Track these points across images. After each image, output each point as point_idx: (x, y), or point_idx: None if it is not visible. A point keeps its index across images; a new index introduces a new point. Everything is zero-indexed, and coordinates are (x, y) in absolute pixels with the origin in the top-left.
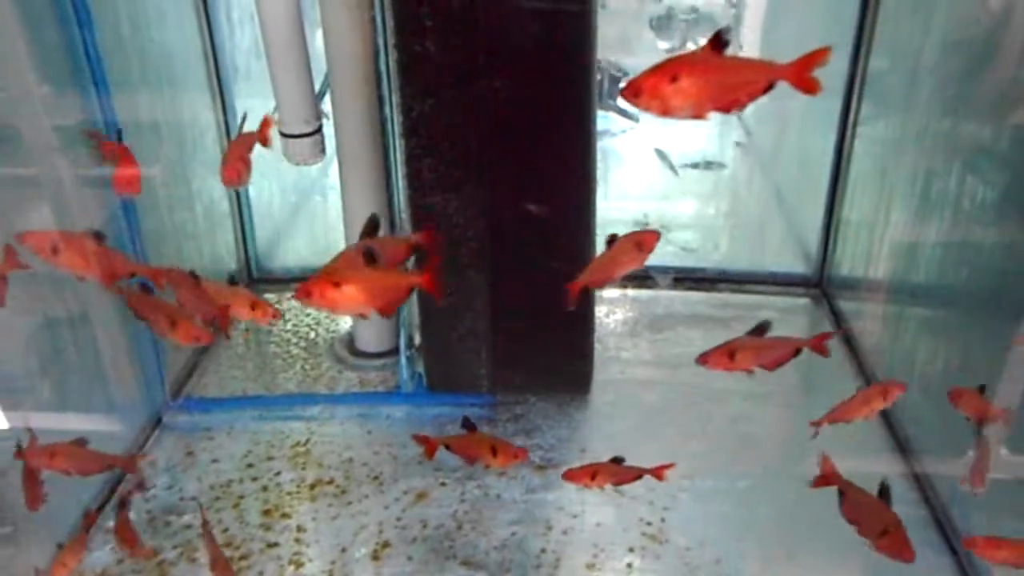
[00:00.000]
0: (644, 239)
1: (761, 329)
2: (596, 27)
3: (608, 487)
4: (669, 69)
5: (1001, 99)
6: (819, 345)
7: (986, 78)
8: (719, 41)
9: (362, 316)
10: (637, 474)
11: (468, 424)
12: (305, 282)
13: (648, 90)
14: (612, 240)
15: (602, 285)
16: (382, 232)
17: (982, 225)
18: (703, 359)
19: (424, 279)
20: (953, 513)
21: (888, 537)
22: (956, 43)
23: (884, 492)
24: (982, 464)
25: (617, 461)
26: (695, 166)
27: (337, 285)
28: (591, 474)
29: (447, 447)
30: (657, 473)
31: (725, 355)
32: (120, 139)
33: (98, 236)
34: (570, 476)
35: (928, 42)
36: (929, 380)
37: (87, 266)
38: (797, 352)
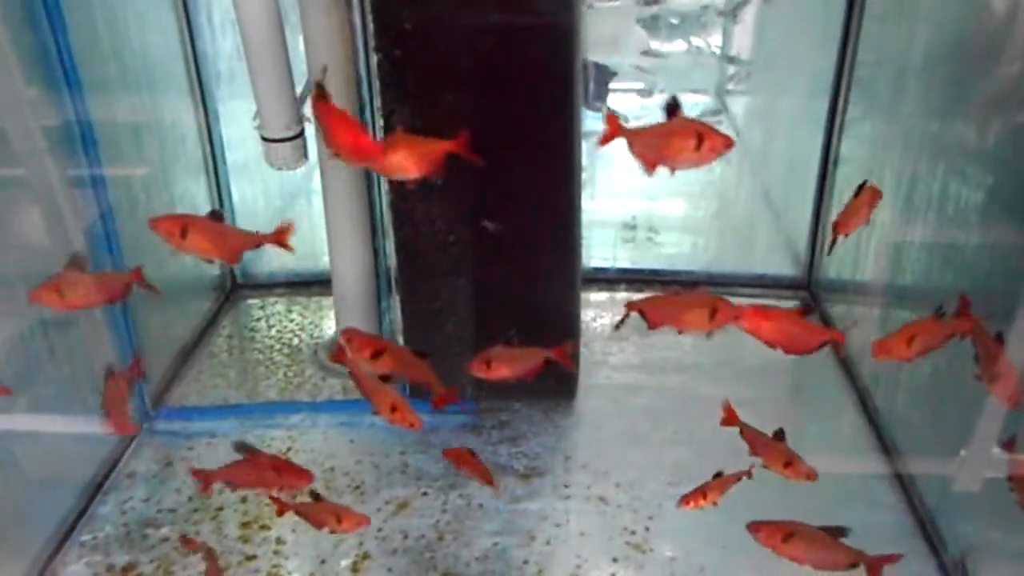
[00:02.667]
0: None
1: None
2: (580, 29)
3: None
4: None
5: (985, 102)
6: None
7: (971, 81)
8: (674, 108)
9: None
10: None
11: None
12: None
13: None
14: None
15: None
16: None
17: (966, 227)
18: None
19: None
20: (939, 521)
21: (791, 466)
22: (941, 46)
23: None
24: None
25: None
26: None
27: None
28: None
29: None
30: None
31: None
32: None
33: (216, 215)
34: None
35: (913, 45)
36: (915, 384)
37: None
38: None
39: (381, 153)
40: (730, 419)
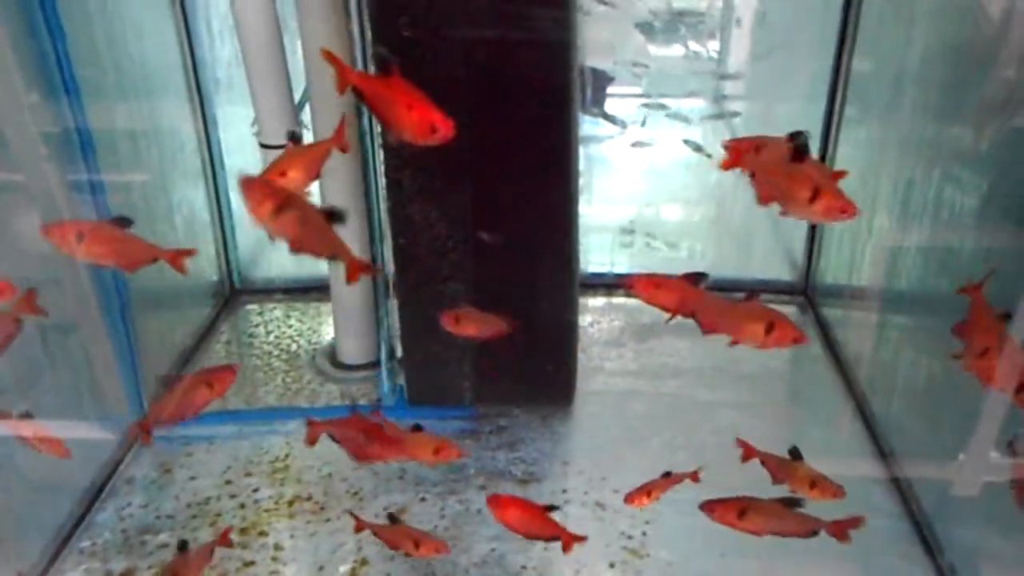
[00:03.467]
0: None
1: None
2: (576, 36)
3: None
4: None
5: (980, 107)
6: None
7: (966, 86)
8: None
9: None
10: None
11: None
12: None
13: None
14: None
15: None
16: None
17: (961, 232)
18: None
19: None
20: (936, 526)
21: (818, 486)
22: (936, 51)
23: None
24: None
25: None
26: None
27: None
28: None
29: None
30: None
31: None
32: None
33: (122, 221)
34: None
35: (909, 50)
36: (911, 388)
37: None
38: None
39: (452, 128)
40: (749, 453)
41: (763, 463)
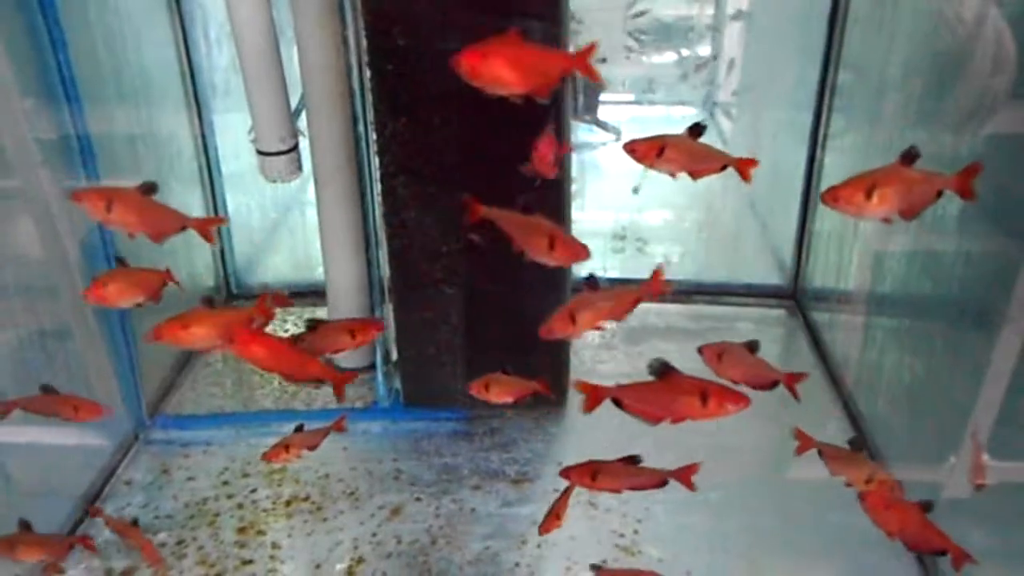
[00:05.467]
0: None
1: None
2: (567, 44)
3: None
4: None
5: (960, 112)
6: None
7: (946, 92)
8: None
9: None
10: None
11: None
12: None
13: None
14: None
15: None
16: None
17: (944, 237)
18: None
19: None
20: None
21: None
22: (918, 59)
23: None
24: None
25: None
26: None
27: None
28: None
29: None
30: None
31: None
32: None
33: (148, 188)
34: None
35: (892, 57)
36: (897, 389)
37: (139, 223)
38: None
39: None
40: (806, 444)
41: (821, 453)
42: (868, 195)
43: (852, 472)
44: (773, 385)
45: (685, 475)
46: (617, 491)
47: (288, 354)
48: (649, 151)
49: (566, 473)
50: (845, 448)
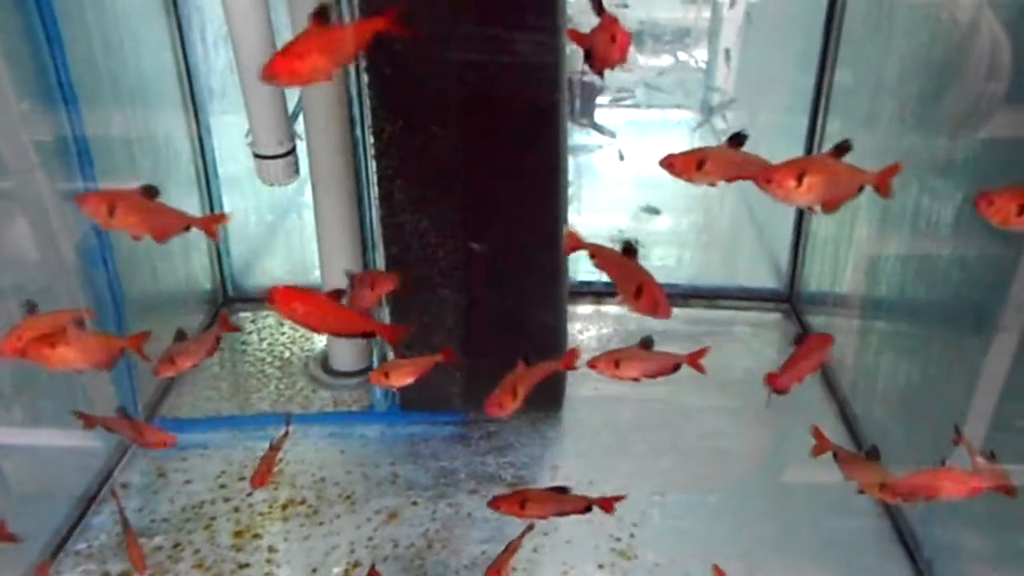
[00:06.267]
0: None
1: None
2: (565, 47)
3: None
4: None
5: (954, 118)
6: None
7: (942, 96)
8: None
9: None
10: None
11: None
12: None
13: None
14: None
15: None
16: None
17: (938, 241)
18: None
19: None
20: (915, 526)
21: (888, 487)
22: (913, 64)
23: (629, 249)
24: None
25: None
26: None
27: None
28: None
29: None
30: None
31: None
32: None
33: (148, 190)
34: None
35: (888, 61)
36: (892, 393)
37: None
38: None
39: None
40: (823, 445)
41: (835, 456)
42: (798, 182)
43: (864, 477)
44: (676, 368)
45: (607, 503)
46: (543, 518)
47: (333, 310)
48: (688, 165)
49: (496, 504)
50: (860, 454)
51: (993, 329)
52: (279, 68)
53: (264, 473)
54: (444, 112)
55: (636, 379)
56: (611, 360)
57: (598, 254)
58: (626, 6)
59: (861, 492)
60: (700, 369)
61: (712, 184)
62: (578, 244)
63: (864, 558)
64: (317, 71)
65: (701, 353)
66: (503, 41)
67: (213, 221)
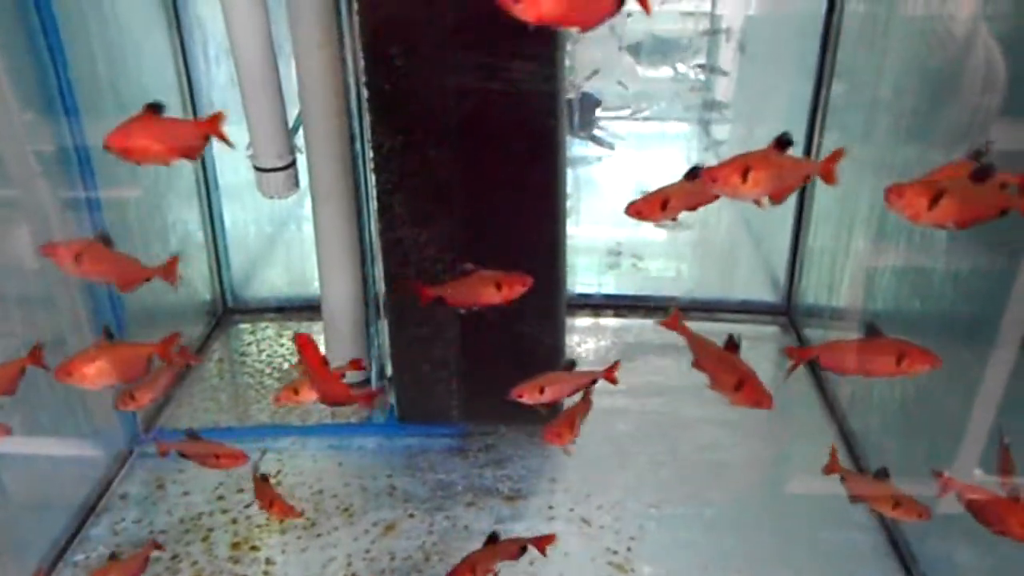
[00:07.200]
0: None
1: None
2: (564, 62)
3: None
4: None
5: (949, 131)
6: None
7: (938, 109)
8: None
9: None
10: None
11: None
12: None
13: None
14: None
15: None
16: None
17: (934, 255)
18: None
19: None
20: (911, 540)
21: (901, 506)
22: (909, 77)
23: (730, 345)
24: None
25: None
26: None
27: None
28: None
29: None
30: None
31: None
32: None
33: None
34: None
35: (884, 74)
36: (890, 406)
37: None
38: None
39: None
40: (833, 467)
41: (843, 480)
42: (744, 177)
43: (877, 499)
44: (593, 382)
45: (541, 543)
46: (490, 571)
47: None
48: (731, 175)
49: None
50: (868, 476)
51: (989, 343)
52: (111, 141)
53: (282, 504)
54: (444, 127)
55: (557, 401)
56: (536, 387)
57: (699, 347)
58: (630, 15)
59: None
60: (613, 382)
61: (757, 201)
62: (679, 329)
63: (861, 572)
64: (148, 154)
65: (615, 367)
66: (502, 67)
67: (171, 266)
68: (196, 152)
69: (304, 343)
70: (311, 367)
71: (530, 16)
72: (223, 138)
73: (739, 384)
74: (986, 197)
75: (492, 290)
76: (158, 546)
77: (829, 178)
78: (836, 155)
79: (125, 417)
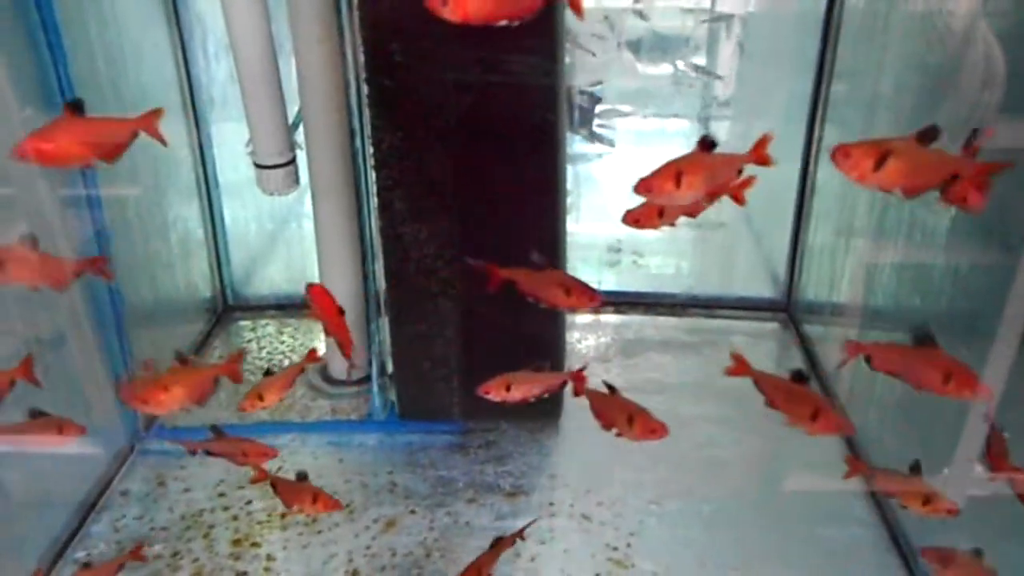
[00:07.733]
0: None
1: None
2: (564, 58)
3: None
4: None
5: (949, 128)
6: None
7: (938, 107)
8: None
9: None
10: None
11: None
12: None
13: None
14: None
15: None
16: None
17: (934, 251)
18: None
19: None
20: (912, 536)
21: (931, 502)
22: (908, 76)
23: (798, 377)
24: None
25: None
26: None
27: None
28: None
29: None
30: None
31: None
32: None
33: (32, 241)
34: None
35: (884, 71)
36: (889, 402)
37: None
38: None
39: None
40: (855, 468)
41: (866, 478)
42: (677, 183)
43: (907, 495)
44: (563, 386)
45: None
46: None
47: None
48: (664, 183)
49: None
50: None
51: (988, 339)
52: (27, 148)
53: (326, 499)
54: (444, 124)
55: (526, 399)
56: (502, 384)
57: (768, 387)
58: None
59: (904, 507)
60: (579, 392)
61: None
62: (746, 373)
63: (860, 568)
64: (70, 156)
65: (582, 371)
66: (502, 63)
67: (100, 261)
68: (118, 151)
69: (318, 293)
70: (328, 318)
71: (457, 17)
72: (159, 137)
73: (815, 414)
74: (934, 162)
75: (561, 293)
76: (139, 557)
77: (763, 161)
78: (764, 140)
79: (126, 414)
